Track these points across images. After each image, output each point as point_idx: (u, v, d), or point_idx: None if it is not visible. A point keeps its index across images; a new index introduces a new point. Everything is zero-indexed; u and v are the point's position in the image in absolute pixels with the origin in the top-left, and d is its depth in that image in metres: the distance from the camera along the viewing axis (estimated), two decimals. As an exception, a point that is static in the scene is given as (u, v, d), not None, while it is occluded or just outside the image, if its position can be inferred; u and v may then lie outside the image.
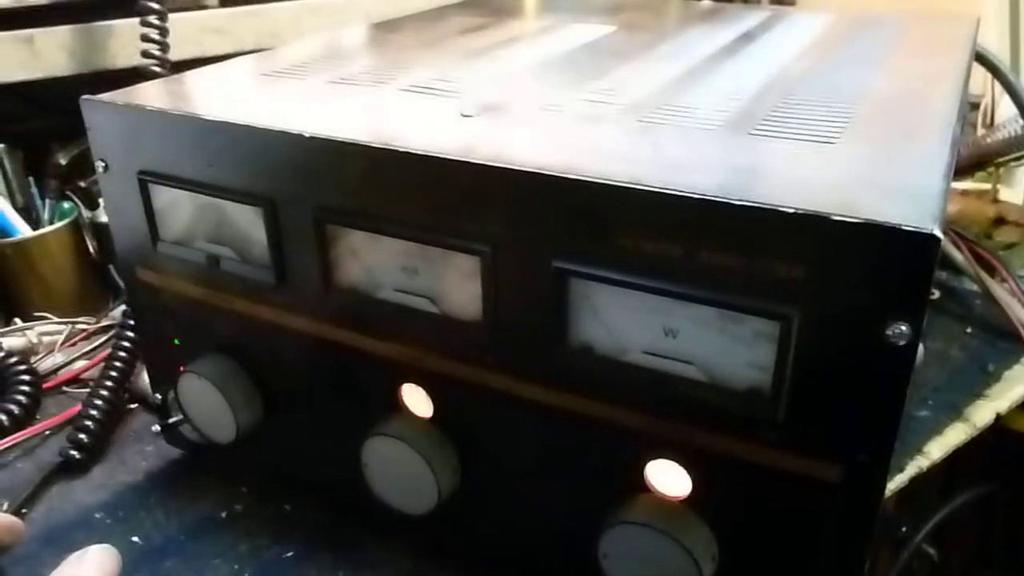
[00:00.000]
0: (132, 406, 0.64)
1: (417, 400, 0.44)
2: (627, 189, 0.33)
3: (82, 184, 0.81)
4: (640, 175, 0.34)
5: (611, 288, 0.35)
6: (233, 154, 0.43)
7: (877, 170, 0.35)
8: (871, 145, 0.39)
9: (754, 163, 0.36)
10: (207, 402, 0.49)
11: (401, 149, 0.38)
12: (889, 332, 0.31)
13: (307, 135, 0.40)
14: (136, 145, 0.47)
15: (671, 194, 0.33)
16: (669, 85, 0.49)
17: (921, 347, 0.32)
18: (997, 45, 0.87)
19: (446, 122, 0.43)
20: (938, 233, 0.29)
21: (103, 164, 0.49)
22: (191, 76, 0.54)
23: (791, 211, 0.31)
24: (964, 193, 0.92)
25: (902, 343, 0.31)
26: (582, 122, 0.43)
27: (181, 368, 0.50)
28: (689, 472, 0.38)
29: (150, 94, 0.49)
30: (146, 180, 0.47)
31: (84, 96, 0.47)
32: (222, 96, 0.50)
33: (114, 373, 0.61)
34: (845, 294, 0.31)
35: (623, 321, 0.36)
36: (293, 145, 0.41)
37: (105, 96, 0.47)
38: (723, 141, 0.40)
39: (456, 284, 0.40)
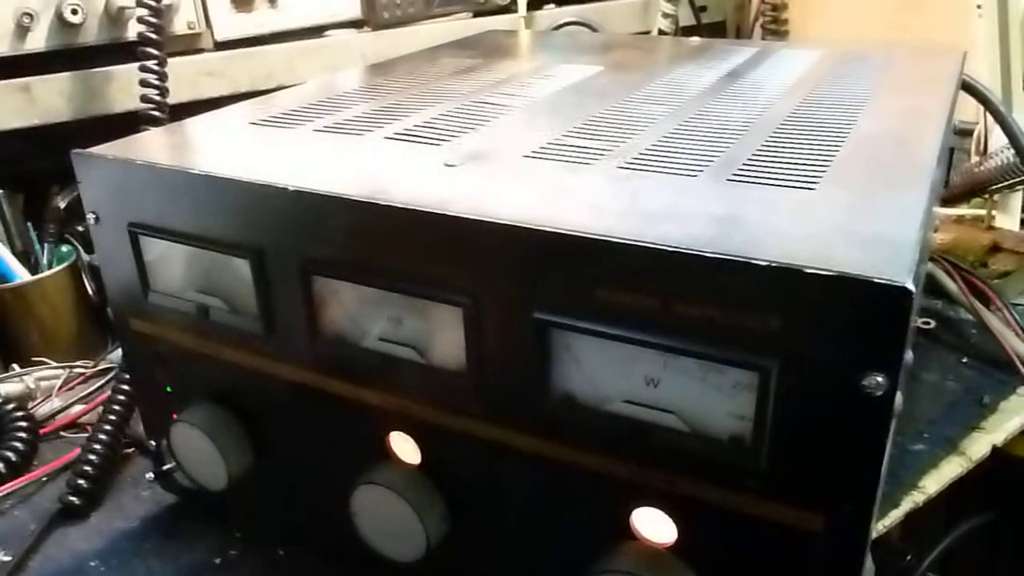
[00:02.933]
0: (129, 450, 0.64)
1: (405, 448, 0.44)
2: (602, 242, 0.34)
3: (81, 228, 0.82)
4: (616, 227, 0.34)
5: (591, 339, 0.36)
6: (221, 206, 0.44)
7: (854, 219, 0.36)
8: (850, 192, 0.39)
9: (731, 212, 0.37)
10: (199, 450, 0.49)
11: (383, 202, 0.38)
12: (865, 383, 0.31)
13: (291, 189, 0.41)
14: (126, 197, 0.47)
15: (645, 246, 0.33)
16: (652, 128, 0.49)
17: (900, 396, 0.32)
18: (988, 75, 0.87)
19: (430, 173, 0.43)
20: (911, 286, 0.29)
21: (94, 216, 0.49)
22: (182, 126, 0.55)
23: (765, 263, 0.31)
24: (959, 220, 0.92)
25: (879, 394, 0.31)
26: (564, 170, 0.43)
27: (174, 415, 0.51)
28: (674, 520, 0.38)
29: (140, 146, 0.50)
30: (136, 232, 0.48)
31: (75, 150, 0.48)
32: (211, 147, 0.50)
33: (113, 417, 0.61)
34: (821, 345, 0.31)
35: (604, 371, 0.36)
36: (278, 198, 0.41)
37: (95, 149, 0.48)
38: (702, 188, 0.40)
39: (440, 334, 0.40)
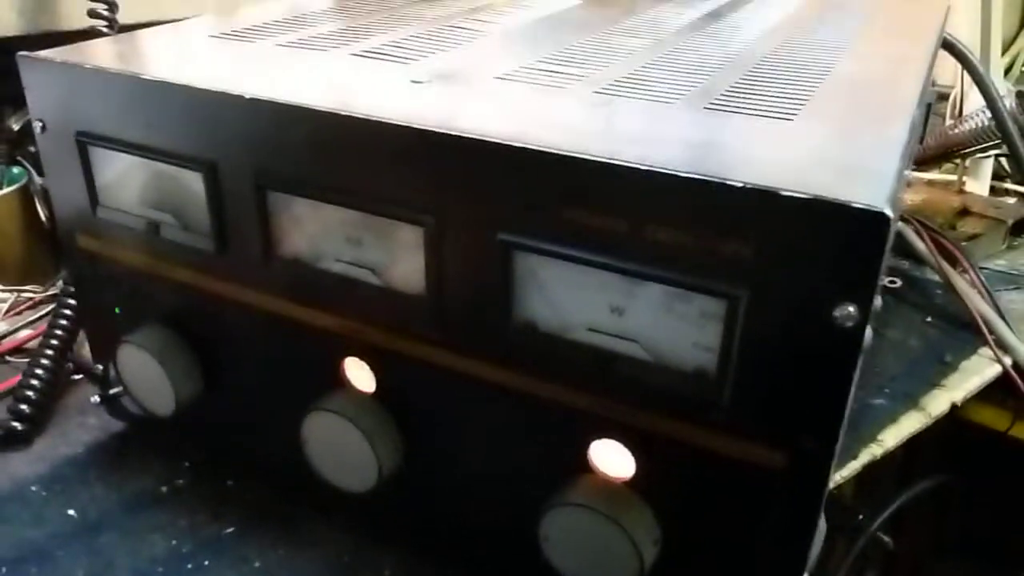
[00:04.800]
0: (76, 377, 0.62)
1: (360, 375, 0.43)
2: (572, 159, 0.32)
3: (33, 149, 0.78)
4: (588, 146, 0.33)
5: (556, 263, 0.34)
6: (173, 116, 0.42)
7: (832, 148, 0.34)
8: (828, 124, 0.38)
9: (707, 137, 0.35)
10: (146, 374, 0.48)
11: (343, 113, 0.37)
12: (836, 314, 0.30)
13: (248, 96, 0.39)
14: (74, 105, 0.45)
15: (617, 165, 0.31)
16: (630, 59, 0.48)
17: (870, 331, 0.31)
18: (968, 35, 0.87)
19: (395, 88, 0.41)
20: (889, 212, 0.28)
21: (41, 124, 0.47)
22: (138, 35, 0.52)
23: (739, 185, 0.30)
24: (930, 183, 0.92)
25: (849, 325, 0.30)
26: (536, 93, 0.41)
27: (122, 338, 0.49)
28: (633, 453, 0.37)
29: (92, 52, 0.47)
30: (85, 142, 0.45)
31: (20, 53, 0.45)
32: (167, 56, 0.48)
33: (55, 342, 0.59)
34: (793, 273, 0.30)
35: (568, 297, 0.35)
36: (234, 107, 0.39)
37: (43, 53, 0.45)
38: (678, 115, 0.38)
39: (400, 256, 0.38)
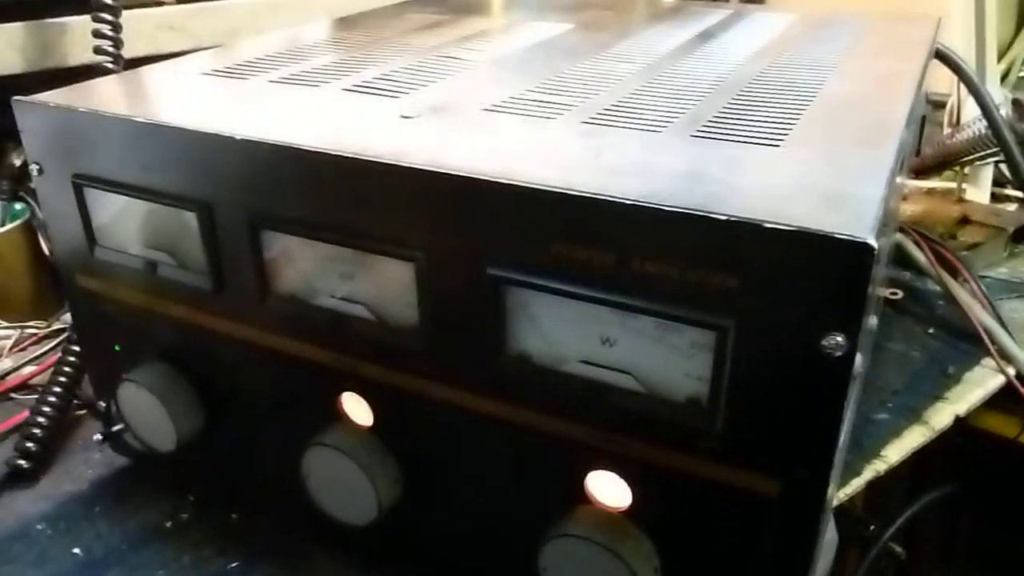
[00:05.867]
0: (80, 413, 0.62)
1: (357, 409, 0.43)
2: (560, 195, 0.32)
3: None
4: (574, 181, 0.33)
5: (547, 296, 0.35)
6: (167, 157, 0.42)
7: (817, 175, 0.35)
8: (814, 149, 0.38)
9: (694, 167, 0.36)
10: (147, 411, 0.48)
11: (333, 152, 0.37)
12: (824, 343, 0.30)
13: (239, 138, 0.39)
14: (70, 147, 0.45)
15: (601, 199, 0.32)
16: (619, 85, 0.48)
17: (860, 358, 0.31)
18: (963, 46, 0.87)
19: (386, 124, 0.42)
20: (873, 243, 0.28)
21: (37, 167, 0.47)
22: (134, 75, 0.53)
23: (723, 218, 0.30)
24: (929, 192, 0.92)
25: (838, 354, 0.30)
26: (525, 125, 0.42)
27: (123, 375, 0.49)
28: (629, 483, 0.37)
29: (87, 94, 0.48)
30: (81, 184, 0.46)
31: (16, 97, 0.46)
32: (161, 96, 0.48)
33: (63, 379, 0.59)
34: (780, 304, 0.30)
35: (560, 330, 0.35)
36: (226, 148, 0.40)
37: (38, 96, 0.46)
38: (665, 144, 0.39)
39: (392, 291, 0.39)
